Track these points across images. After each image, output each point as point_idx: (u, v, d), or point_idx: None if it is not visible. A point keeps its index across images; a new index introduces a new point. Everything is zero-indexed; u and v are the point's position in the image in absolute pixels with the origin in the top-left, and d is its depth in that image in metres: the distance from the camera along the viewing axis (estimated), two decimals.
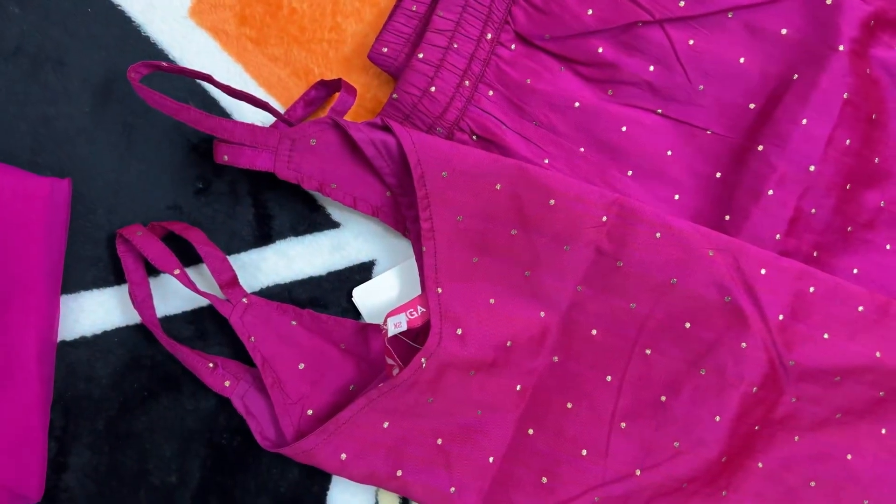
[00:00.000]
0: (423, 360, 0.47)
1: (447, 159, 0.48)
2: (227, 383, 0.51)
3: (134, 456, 0.52)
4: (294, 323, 0.51)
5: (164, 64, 0.47)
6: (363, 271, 0.55)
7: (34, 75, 0.53)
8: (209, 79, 0.48)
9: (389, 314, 0.49)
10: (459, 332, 0.48)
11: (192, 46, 0.54)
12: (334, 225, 0.55)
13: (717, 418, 0.51)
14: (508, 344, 0.50)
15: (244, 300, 0.50)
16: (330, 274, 0.54)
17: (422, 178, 0.48)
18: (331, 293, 0.54)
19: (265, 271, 0.54)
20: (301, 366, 0.50)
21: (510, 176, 0.49)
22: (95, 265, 0.53)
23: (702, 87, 0.53)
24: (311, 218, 0.54)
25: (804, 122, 0.52)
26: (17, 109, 0.53)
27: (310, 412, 0.50)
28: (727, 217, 0.53)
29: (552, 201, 0.49)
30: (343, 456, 0.49)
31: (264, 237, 0.54)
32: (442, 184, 0.48)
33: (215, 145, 0.49)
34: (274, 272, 0.54)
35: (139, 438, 0.52)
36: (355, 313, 0.54)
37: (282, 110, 0.54)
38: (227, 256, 0.54)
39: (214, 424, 0.53)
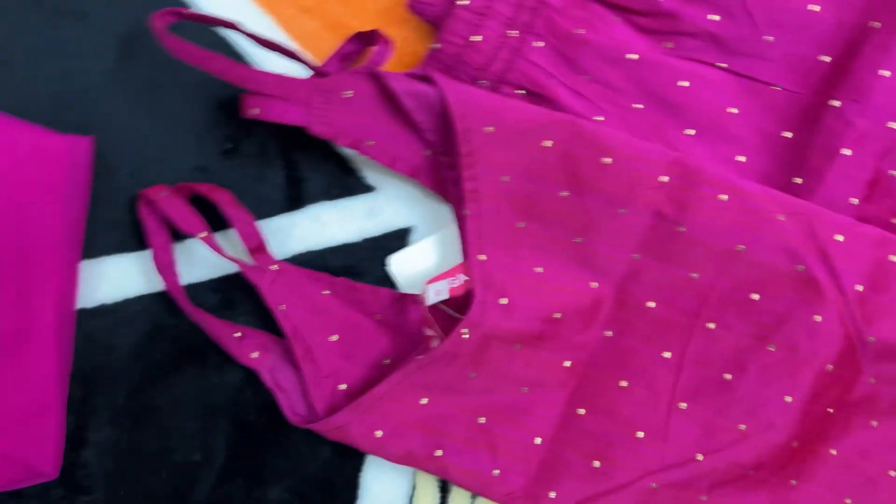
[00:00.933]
0: (464, 330, 0.43)
1: (493, 112, 0.44)
2: (254, 354, 0.47)
3: (156, 432, 0.49)
4: (327, 292, 0.47)
5: (185, 11, 0.44)
6: (399, 238, 0.51)
7: (54, 28, 0.50)
8: (236, 26, 0.45)
9: (429, 282, 0.45)
10: (504, 301, 0.45)
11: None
12: (369, 189, 0.51)
13: (788, 399, 0.46)
14: (557, 316, 0.46)
15: (274, 267, 0.47)
16: (365, 241, 0.51)
17: (465, 133, 0.44)
18: (366, 261, 0.51)
19: (296, 237, 0.51)
20: (334, 337, 0.47)
21: (561, 132, 0.45)
22: (116, 229, 0.50)
23: (770, 38, 0.49)
24: (344, 181, 0.51)
25: (886, 74, 0.47)
26: (35, 64, 0.50)
27: (342, 387, 0.47)
28: (798, 180, 0.48)
29: (607, 159, 0.45)
30: (378, 433, 0.45)
31: (295, 201, 0.51)
32: (487, 139, 0.44)
33: (243, 98, 0.46)
34: (306, 238, 0.51)
35: (161, 413, 0.49)
36: (391, 283, 0.50)
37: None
38: (257, 222, 0.50)
39: (241, 399, 0.50)
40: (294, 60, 0.47)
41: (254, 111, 0.45)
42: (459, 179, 0.46)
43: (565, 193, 0.46)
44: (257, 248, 0.47)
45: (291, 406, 0.47)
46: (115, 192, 0.50)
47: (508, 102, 0.45)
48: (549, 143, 0.45)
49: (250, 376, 0.49)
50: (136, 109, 0.50)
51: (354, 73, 0.46)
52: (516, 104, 0.45)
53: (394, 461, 0.47)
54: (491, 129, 0.44)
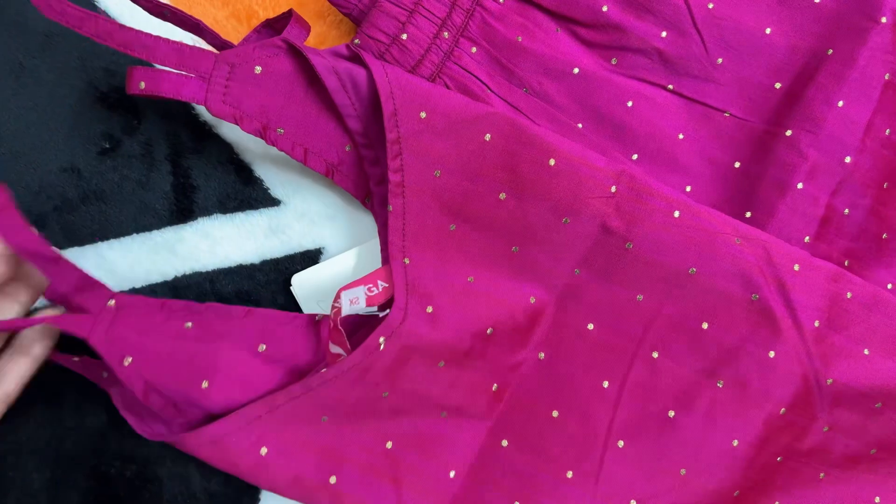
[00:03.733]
0: (381, 339, 0.37)
1: (427, 97, 0.39)
2: (104, 373, 0.39)
3: None
4: (189, 325, 0.38)
5: None
6: (307, 261, 0.44)
7: None
8: None
9: (344, 288, 0.38)
10: (430, 310, 0.39)
11: None
12: (273, 202, 0.44)
13: (735, 443, 0.42)
14: (489, 332, 0.40)
15: (111, 303, 0.37)
16: (265, 263, 0.44)
17: (393, 116, 0.38)
18: (264, 286, 0.43)
19: (182, 255, 0.43)
20: (204, 384, 0.38)
21: (504, 126, 0.39)
22: None
23: (720, 60, 0.45)
24: (244, 192, 0.44)
25: (840, 104, 0.44)
26: None
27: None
28: (748, 214, 0.45)
29: (552, 161, 0.39)
30: (264, 450, 0.38)
31: (184, 213, 0.43)
32: (419, 126, 0.38)
33: (129, 71, 0.38)
34: (193, 257, 0.43)
35: (0, 464, 0.40)
36: (294, 310, 0.43)
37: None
38: (136, 235, 0.43)
39: (102, 448, 0.41)
40: (194, 34, 0.40)
41: (141, 86, 0.38)
42: (385, 175, 0.40)
43: (504, 196, 0.40)
44: (79, 284, 0.36)
45: (148, 429, 0.38)
46: None
47: (445, 90, 0.40)
48: (489, 137, 0.39)
49: (117, 419, 0.41)
50: None
51: (267, 45, 0.39)
52: (454, 94, 0.40)
53: (280, 491, 0.39)
54: (424, 114, 0.38)
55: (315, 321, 0.40)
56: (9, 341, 0.37)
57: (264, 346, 0.39)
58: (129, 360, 0.36)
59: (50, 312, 0.38)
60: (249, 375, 0.39)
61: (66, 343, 0.39)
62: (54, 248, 0.36)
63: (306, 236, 0.44)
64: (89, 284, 0.37)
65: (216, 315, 0.38)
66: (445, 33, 0.43)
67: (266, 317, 0.39)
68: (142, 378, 0.37)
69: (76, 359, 0.39)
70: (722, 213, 0.43)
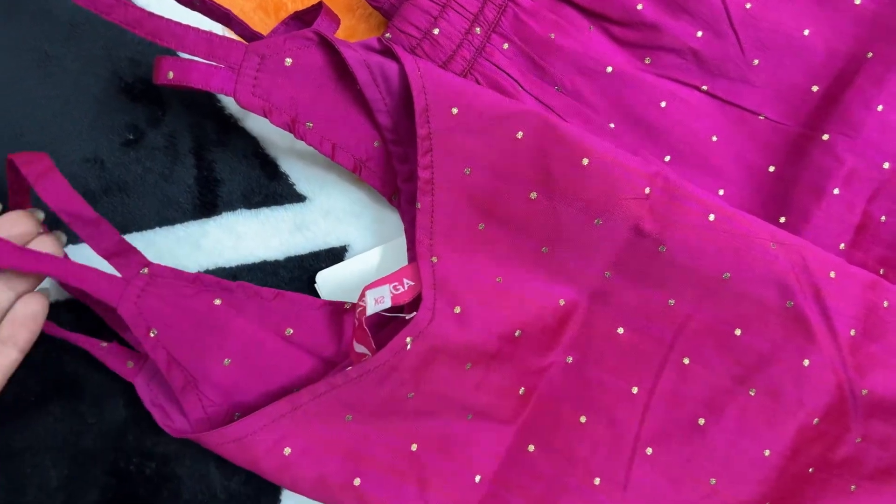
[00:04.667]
0: (408, 339, 0.36)
1: (460, 93, 0.38)
2: (129, 363, 0.38)
3: (8, 485, 0.39)
4: (218, 302, 0.38)
5: None
6: (332, 258, 0.43)
7: None
8: None
9: (369, 287, 0.37)
10: (458, 310, 0.38)
11: None
12: (299, 198, 0.43)
13: (767, 452, 0.41)
14: (517, 334, 0.39)
15: (144, 272, 0.37)
16: (289, 259, 0.43)
17: (425, 112, 0.37)
18: (288, 283, 0.43)
19: (205, 250, 0.42)
20: (226, 361, 0.38)
21: (536, 124, 0.39)
22: None
23: (757, 61, 0.44)
24: (269, 187, 0.43)
25: (879, 108, 0.43)
26: None
27: (238, 416, 0.38)
28: (782, 219, 0.44)
29: (586, 160, 0.38)
30: (287, 450, 0.37)
31: (208, 207, 0.42)
32: (450, 122, 0.38)
33: (157, 61, 0.37)
34: (217, 252, 0.42)
35: (17, 460, 0.39)
36: None
37: None
38: (159, 228, 0.42)
39: (121, 445, 0.40)
40: (222, 24, 0.39)
41: (169, 75, 0.37)
42: (414, 173, 0.39)
43: (535, 195, 0.39)
44: (115, 248, 0.36)
45: (172, 425, 0.38)
46: None
47: (478, 86, 0.39)
48: (520, 135, 0.38)
49: (136, 415, 0.40)
50: (21, 84, 0.42)
51: (299, 36, 0.38)
52: (486, 90, 0.39)
53: (303, 491, 0.38)
54: (456, 110, 0.37)
55: (343, 309, 0.40)
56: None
57: (291, 331, 0.39)
58: (155, 331, 0.37)
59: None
60: (273, 358, 0.39)
61: (93, 328, 0.38)
62: (95, 211, 0.36)
63: (331, 233, 0.43)
64: (125, 250, 0.37)
65: (245, 294, 0.38)
66: (477, 29, 0.42)
67: (295, 301, 0.39)
68: (166, 350, 0.37)
69: (104, 344, 0.38)
70: (757, 218, 0.42)
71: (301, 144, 0.43)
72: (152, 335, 0.37)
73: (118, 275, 0.36)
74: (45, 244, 0.36)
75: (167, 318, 0.37)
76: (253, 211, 0.43)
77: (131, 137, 0.42)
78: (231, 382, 0.38)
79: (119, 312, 0.36)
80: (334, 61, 0.39)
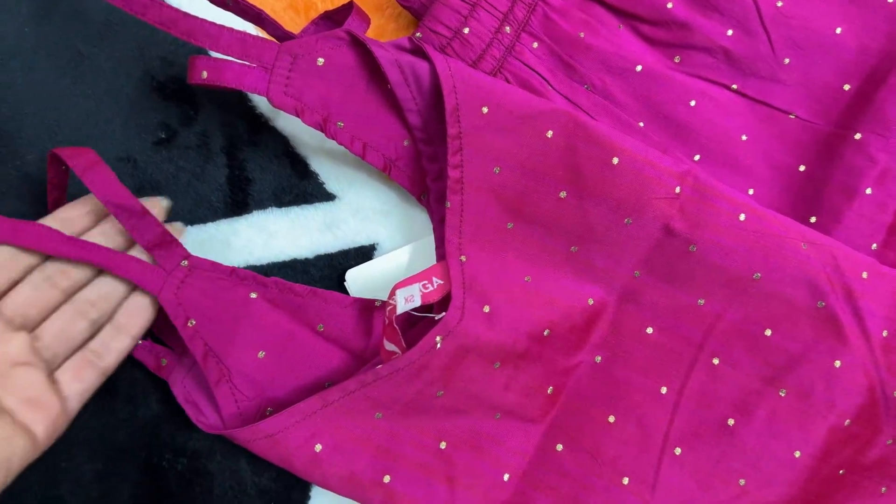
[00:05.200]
0: (438, 338, 0.36)
1: (489, 92, 0.38)
2: (163, 361, 0.39)
3: (43, 478, 0.40)
4: (254, 295, 0.39)
5: None
6: (361, 257, 0.43)
7: None
8: None
9: (398, 285, 0.37)
10: (487, 309, 0.38)
11: None
12: (328, 197, 0.44)
13: (797, 454, 0.41)
14: (546, 333, 0.39)
15: (184, 264, 0.38)
16: (319, 258, 0.43)
17: (455, 111, 0.37)
18: (318, 281, 0.43)
19: (236, 248, 0.43)
20: (260, 354, 0.39)
21: (566, 122, 0.39)
22: None
23: (787, 60, 0.44)
24: (299, 186, 0.43)
25: None
26: None
27: (269, 411, 0.39)
28: (813, 218, 0.43)
29: (616, 160, 0.38)
30: (318, 447, 0.37)
31: (239, 206, 0.43)
32: (480, 121, 0.38)
33: (191, 61, 0.38)
34: (247, 250, 0.43)
35: (51, 455, 0.40)
36: None
37: None
38: (191, 226, 0.42)
39: (154, 440, 0.41)
40: (255, 24, 0.39)
41: (203, 75, 0.37)
42: (443, 172, 0.39)
43: (564, 194, 0.39)
44: (157, 240, 0.37)
45: (205, 421, 0.39)
46: (20, 181, 0.41)
47: (507, 85, 0.39)
48: (550, 134, 0.38)
49: (169, 411, 0.41)
50: (55, 84, 0.42)
51: (330, 36, 0.38)
52: (516, 89, 0.39)
53: (332, 487, 0.39)
54: (486, 109, 0.37)
55: (373, 307, 0.40)
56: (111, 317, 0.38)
57: (322, 326, 0.40)
58: (193, 322, 0.37)
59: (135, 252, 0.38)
60: (306, 352, 0.39)
61: None
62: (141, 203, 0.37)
63: (360, 232, 0.44)
64: (167, 241, 0.37)
65: (280, 290, 0.39)
66: (507, 28, 0.42)
67: (326, 297, 0.40)
68: (202, 341, 0.38)
69: (140, 341, 0.39)
70: (788, 218, 0.41)
71: (331, 143, 0.43)
72: (190, 325, 0.37)
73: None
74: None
75: (205, 310, 0.38)
76: (283, 209, 0.43)
77: (164, 136, 0.43)
78: (264, 376, 0.39)
79: (159, 302, 0.37)
80: (365, 61, 0.39)
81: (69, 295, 0.37)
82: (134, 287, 0.38)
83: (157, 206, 0.39)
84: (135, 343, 0.38)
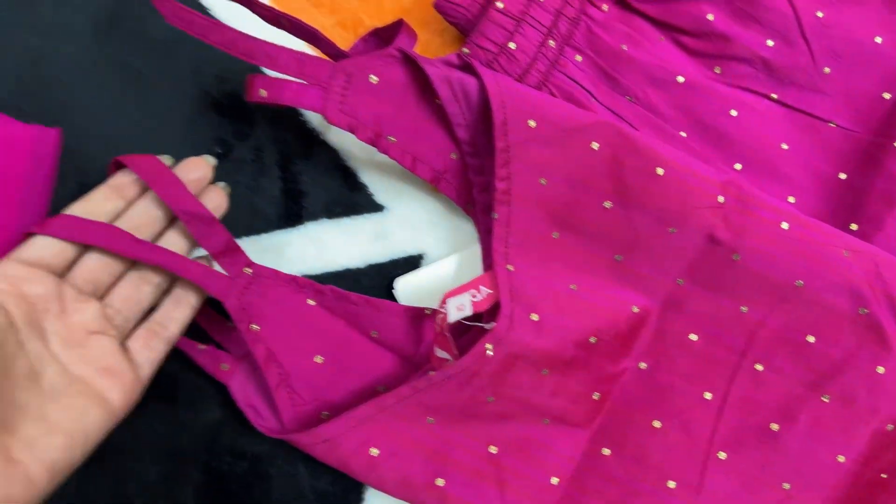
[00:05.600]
0: (488, 346, 0.37)
1: (536, 106, 0.39)
2: (224, 366, 0.40)
3: (111, 478, 0.42)
4: (312, 303, 0.41)
5: None
6: (409, 266, 0.45)
7: (27, 3, 0.44)
8: None
9: (449, 294, 0.39)
10: (535, 318, 0.39)
11: None
12: (377, 208, 0.45)
13: (841, 458, 0.42)
14: (592, 341, 0.40)
15: (248, 271, 0.39)
16: (370, 267, 0.45)
17: (503, 125, 0.38)
18: (369, 290, 0.44)
19: (290, 258, 0.44)
20: (318, 359, 0.40)
21: (611, 135, 0.40)
22: None
23: (828, 69, 0.45)
24: (350, 198, 0.45)
25: None
26: (2, 42, 0.43)
27: (325, 415, 0.40)
28: (854, 226, 0.44)
29: (660, 170, 0.39)
30: (374, 451, 0.39)
31: (292, 217, 0.44)
32: (527, 135, 0.39)
33: (249, 80, 0.39)
34: (301, 260, 0.44)
35: (119, 456, 0.42)
36: None
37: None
38: (246, 237, 0.44)
39: (215, 444, 0.42)
40: (309, 43, 0.41)
41: (262, 93, 0.39)
42: (489, 184, 0.40)
43: (609, 205, 0.40)
44: (223, 248, 0.39)
45: (265, 424, 0.41)
46: (82, 193, 0.43)
47: (554, 99, 0.40)
48: (596, 146, 0.39)
49: (229, 416, 0.42)
50: (114, 101, 0.44)
51: (383, 55, 0.40)
52: (562, 102, 0.40)
53: (388, 490, 0.40)
54: (533, 123, 0.39)
55: (423, 315, 0.42)
56: (168, 290, 0.40)
57: (376, 333, 0.41)
58: (256, 327, 0.39)
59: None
60: (361, 357, 0.41)
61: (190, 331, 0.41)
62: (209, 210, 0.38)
63: (408, 242, 0.45)
64: (232, 249, 0.39)
65: (336, 297, 0.41)
66: (551, 42, 0.43)
67: (379, 306, 0.41)
68: (265, 345, 0.39)
69: (202, 347, 0.41)
70: (830, 226, 0.42)
71: (380, 156, 0.44)
72: (253, 329, 0.39)
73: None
74: (214, 195, 0.40)
75: (267, 315, 0.39)
76: (335, 221, 0.45)
77: (220, 151, 0.44)
78: (320, 380, 0.40)
79: (225, 307, 0.38)
80: (416, 77, 0.41)
81: (131, 262, 0.39)
82: (190, 250, 0.40)
83: (202, 162, 0.40)
84: (194, 312, 0.40)
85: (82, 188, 0.42)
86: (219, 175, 0.44)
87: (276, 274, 0.40)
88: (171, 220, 0.40)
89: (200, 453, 0.42)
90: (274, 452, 0.42)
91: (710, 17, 0.44)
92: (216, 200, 0.40)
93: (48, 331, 0.35)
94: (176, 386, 0.42)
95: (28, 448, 0.32)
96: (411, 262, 0.45)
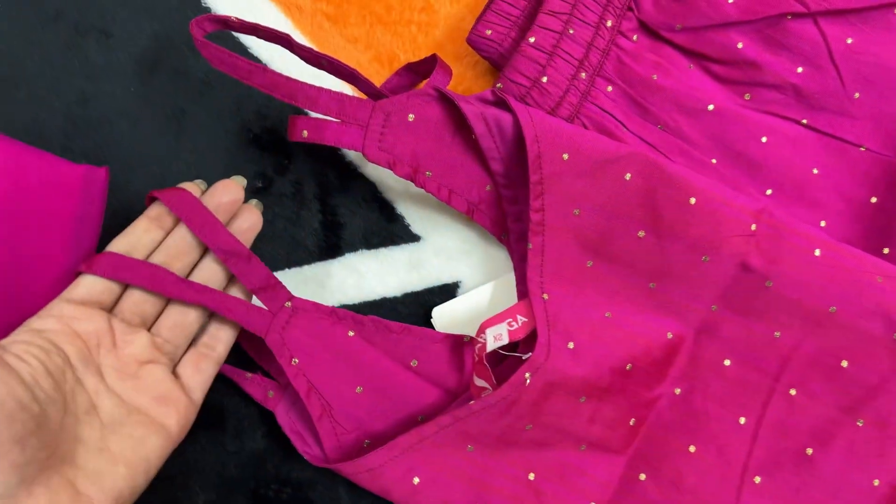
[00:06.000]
0: (527, 375, 0.38)
1: (569, 139, 0.40)
2: (270, 393, 0.42)
3: None
4: (352, 334, 0.42)
5: (233, 18, 0.39)
6: (445, 294, 0.46)
7: (74, 46, 0.45)
8: (287, 40, 0.40)
9: (486, 324, 0.40)
10: (571, 346, 0.40)
11: (259, 22, 0.46)
12: (414, 238, 0.46)
13: (876, 482, 0.42)
14: (628, 367, 0.41)
15: (288, 305, 0.41)
16: (406, 296, 0.46)
17: (538, 159, 0.40)
18: (406, 318, 0.45)
19: (331, 289, 0.45)
20: (358, 389, 0.42)
21: (643, 165, 0.41)
22: None
23: (857, 94, 0.45)
24: (387, 229, 0.46)
25: None
26: (51, 85, 0.45)
27: (367, 443, 0.41)
28: (886, 250, 0.44)
29: (693, 200, 0.40)
30: (416, 480, 0.40)
31: (332, 249, 0.46)
32: (561, 167, 0.40)
33: (291, 120, 0.41)
34: (341, 291, 0.45)
35: (169, 483, 0.43)
36: None
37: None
38: (288, 269, 0.45)
39: (262, 472, 0.44)
40: (349, 83, 0.42)
41: (304, 134, 0.40)
42: (523, 213, 0.41)
43: (643, 234, 0.41)
44: (263, 284, 0.40)
45: (310, 451, 0.42)
46: None
47: (586, 132, 0.41)
48: (629, 176, 0.40)
49: (273, 445, 0.43)
50: (159, 139, 0.45)
51: (420, 94, 0.41)
52: (595, 134, 0.41)
53: None
54: (566, 156, 0.40)
55: (462, 342, 0.43)
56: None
57: (416, 362, 0.42)
58: (297, 360, 0.40)
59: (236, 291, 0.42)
60: (401, 387, 0.42)
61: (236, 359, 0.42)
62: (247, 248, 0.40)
63: (444, 270, 0.46)
64: (272, 285, 0.40)
65: (376, 328, 0.42)
66: (583, 74, 0.44)
67: (419, 334, 0.42)
68: (306, 378, 0.40)
69: (249, 375, 0.42)
70: (862, 251, 0.42)
71: (415, 188, 0.45)
72: (294, 363, 0.40)
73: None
74: (248, 215, 0.41)
75: (308, 348, 0.40)
76: (373, 251, 0.46)
77: (261, 185, 0.45)
78: (362, 410, 0.41)
79: (266, 342, 0.40)
80: (451, 114, 0.42)
81: None
82: (231, 276, 0.41)
83: (234, 184, 0.41)
84: (238, 331, 0.41)
85: (129, 223, 0.44)
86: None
87: (315, 307, 0.41)
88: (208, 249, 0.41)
89: (247, 480, 0.43)
90: (316, 478, 0.44)
91: (740, 45, 0.45)
92: (251, 220, 0.41)
93: (102, 365, 0.37)
94: (223, 415, 0.43)
95: (93, 480, 0.34)
96: (447, 291, 0.46)
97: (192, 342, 0.41)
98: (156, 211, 0.40)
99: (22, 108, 0.44)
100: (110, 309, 0.39)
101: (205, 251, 0.41)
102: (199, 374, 0.39)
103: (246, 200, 0.45)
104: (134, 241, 0.39)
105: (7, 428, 0.29)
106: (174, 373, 0.39)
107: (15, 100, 0.44)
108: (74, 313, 0.37)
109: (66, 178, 0.42)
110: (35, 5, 0.45)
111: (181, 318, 0.40)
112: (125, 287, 0.39)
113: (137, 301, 0.39)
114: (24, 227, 0.41)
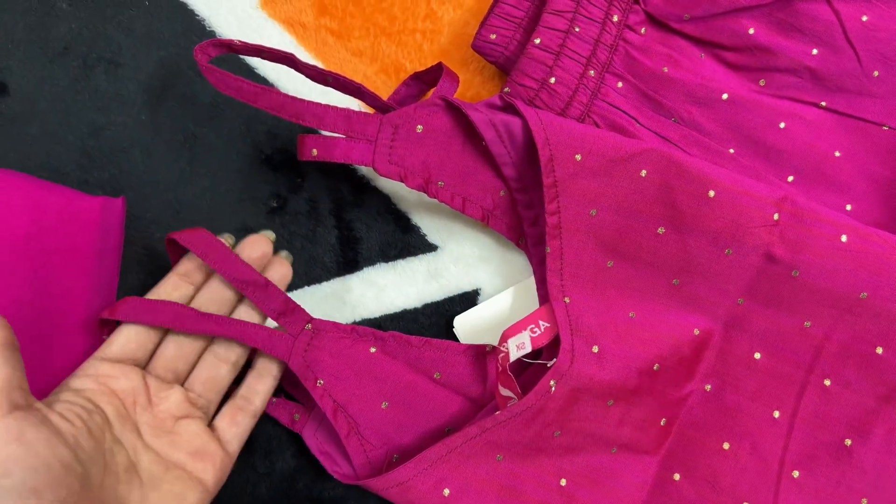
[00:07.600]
0: (552, 382, 0.38)
1: (582, 140, 0.40)
2: (296, 416, 0.42)
3: None
4: (374, 350, 0.41)
5: (236, 42, 0.39)
6: (465, 302, 0.45)
7: (84, 79, 0.46)
8: (292, 59, 0.40)
9: (508, 333, 0.39)
10: (596, 349, 0.39)
11: (264, 42, 0.46)
12: (430, 248, 0.46)
13: None
14: (656, 367, 0.40)
15: (308, 327, 0.41)
16: (426, 306, 0.45)
17: (550, 162, 0.39)
18: (427, 329, 0.45)
19: (351, 304, 0.45)
20: (384, 404, 0.41)
21: (658, 161, 0.40)
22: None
23: (877, 73, 0.44)
24: (403, 240, 0.46)
25: None
26: (64, 118, 0.45)
27: (395, 458, 0.41)
28: None
29: (712, 192, 0.39)
30: (446, 492, 0.40)
31: (350, 264, 0.45)
32: (574, 168, 0.39)
33: (300, 140, 0.41)
34: (361, 305, 0.45)
35: None
36: None
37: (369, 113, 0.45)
38: (307, 287, 0.45)
39: (292, 492, 0.44)
40: (355, 97, 0.42)
41: (313, 153, 0.40)
42: (539, 217, 0.41)
43: (663, 230, 0.40)
44: (281, 309, 0.40)
45: (339, 470, 0.42)
46: (149, 257, 0.45)
47: (598, 131, 0.40)
48: (644, 173, 0.40)
49: (304, 464, 0.43)
50: (172, 166, 0.46)
51: (426, 104, 0.41)
52: (606, 133, 0.40)
53: None
54: (579, 156, 0.39)
55: (484, 352, 0.42)
56: (250, 363, 0.42)
57: (439, 374, 0.42)
58: (321, 381, 0.40)
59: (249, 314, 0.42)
60: (426, 400, 0.42)
61: None
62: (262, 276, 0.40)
63: (463, 279, 0.46)
64: (291, 309, 0.40)
65: (397, 343, 0.42)
66: (591, 71, 0.44)
67: (440, 346, 0.42)
68: (332, 398, 0.40)
69: (274, 399, 0.42)
70: (890, 234, 0.41)
71: (429, 198, 0.45)
72: (319, 385, 0.40)
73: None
74: (279, 267, 0.42)
75: (331, 369, 0.40)
76: (390, 263, 0.46)
77: (275, 205, 0.46)
78: (388, 425, 0.41)
79: (290, 367, 0.40)
80: (460, 122, 0.41)
81: (207, 344, 0.41)
82: (263, 319, 0.41)
83: (263, 239, 0.41)
84: (276, 382, 0.41)
85: (148, 251, 0.44)
86: (277, 228, 0.45)
87: (336, 326, 0.41)
88: (241, 298, 0.41)
89: (279, 501, 0.44)
90: (347, 495, 0.44)
91: (751, 30, 0.44)
92: (281, 271, 0.41)
93: (139, 422, 0.37)
94: (252, 435, 0.43)
95: None
96: (467, 299, 0.46)
97: (230, 395, 0.41)
98: (184, 267, 0.40)
99: (36, 144, 0.45)
100: (144, 366, 0.39)
101: (238, 302, 0.41)
102: (236, 426, 0.40)
103: (261, 221, 0.45)
104: (164, 297, 0.40)
105: (54, 491, 0.29)
106: (211, 426, 0.40)
107: (29, 136, 0.45)
108: (111, 371, 0.38)
109: (84, 211, 0.42)
110: (43, 41, 0.45)
111: (213, 373, 0.40)
112: (157, 344, 0.40)
113: (170, 357, 0.40)
114: (46, 265, 0.41)
